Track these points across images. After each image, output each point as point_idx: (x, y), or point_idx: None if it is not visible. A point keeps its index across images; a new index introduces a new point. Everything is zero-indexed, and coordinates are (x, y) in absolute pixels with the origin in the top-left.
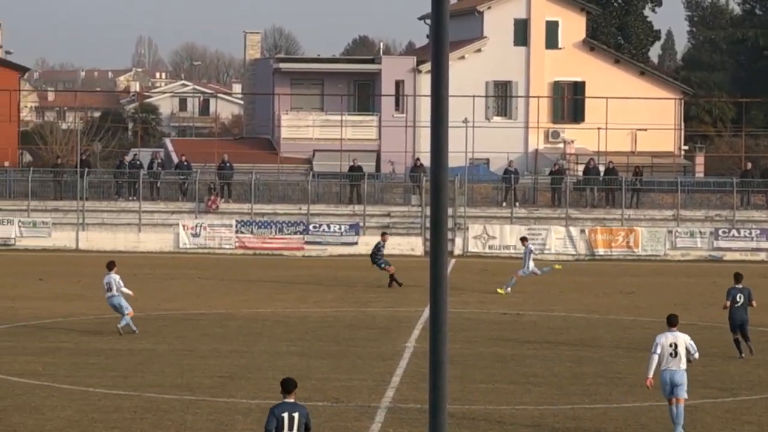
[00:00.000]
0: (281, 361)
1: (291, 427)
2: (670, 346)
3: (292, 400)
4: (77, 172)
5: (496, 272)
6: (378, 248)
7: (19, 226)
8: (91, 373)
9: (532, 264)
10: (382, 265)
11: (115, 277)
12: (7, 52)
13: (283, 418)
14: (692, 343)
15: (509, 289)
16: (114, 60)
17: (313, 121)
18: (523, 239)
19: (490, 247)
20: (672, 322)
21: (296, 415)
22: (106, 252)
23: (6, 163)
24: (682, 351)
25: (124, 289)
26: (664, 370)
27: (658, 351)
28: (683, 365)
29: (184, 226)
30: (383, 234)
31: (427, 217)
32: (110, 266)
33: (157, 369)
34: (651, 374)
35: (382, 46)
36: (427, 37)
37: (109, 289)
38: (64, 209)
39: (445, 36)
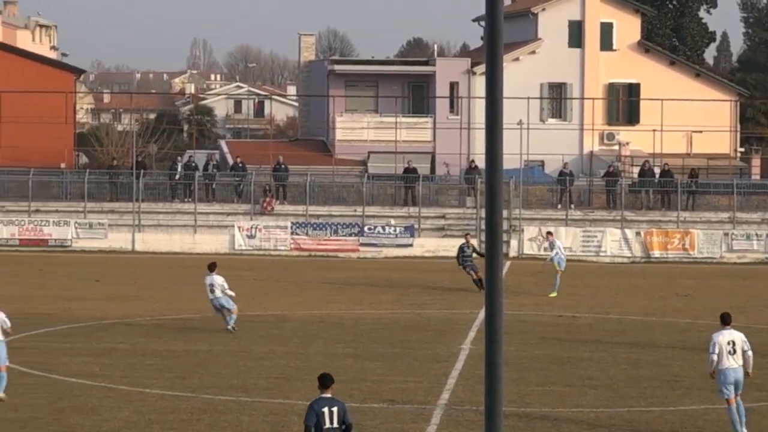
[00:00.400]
0: (336, 363)
1: (332, 421)
2: (728, 344)
3: (329, 395)
4: (133, 174)
5: (551, 274)
6: (462, 249)
7: (76, 228)
8: (147, 374)
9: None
10: (467, 269)
11: (217, 279)
12: (63, 54)
13: (323, 412)
14: (746, 340)
15: (557, 289)
16: (169, 62)
17: (368, 122)
18: (549, 233)
19: (545, 249)
20: (726, 321)
21: (335, 409)
22: (162, 253)
23: (62, 165)
24: (739, 348)
25: (229, 292)
26: (725, 369)
27: (716, 350)
28: (741, 362)
29: (239, 227)
30: (466, 235)
31: (482, 219)
32: (211, 267)
33: (214, 370)
34: (713, 370)
35: (436, 48)
36: (482, 38)
37: (212, 291)
38: (120, 210)
39: (500, 38)
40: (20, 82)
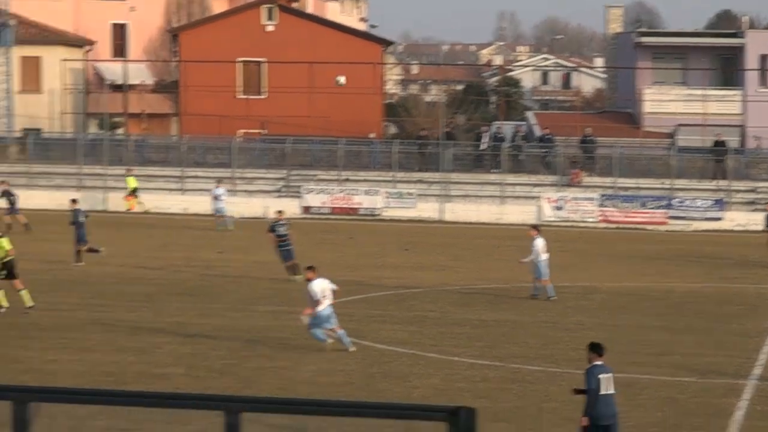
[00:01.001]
0: (646, 336)
1: (607, 387)
2: None
3: (602, 362)
4: (440, 145)
5: None
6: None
7: (385, 197)
8: (456, 343)
9: None
10: None
11: (539, 242)
12: (372, 26)
13: (601, 379)
14: None
15: None
16: (476, 34)
17: (676, 95)
18: None
19: None
20: None
21: (610, 375)
22: (469, 224)
23: (371, 135)
24: None
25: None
26: None
27: None
28: None
29: (547, 198)
30: (766, 203)
31: None
32: (538, 228)
33: (522, 340)
34: None
35: (746, 20)
36: None
37: (545, 251)
38: (429, 180)
39: None
40: (330, 54)
